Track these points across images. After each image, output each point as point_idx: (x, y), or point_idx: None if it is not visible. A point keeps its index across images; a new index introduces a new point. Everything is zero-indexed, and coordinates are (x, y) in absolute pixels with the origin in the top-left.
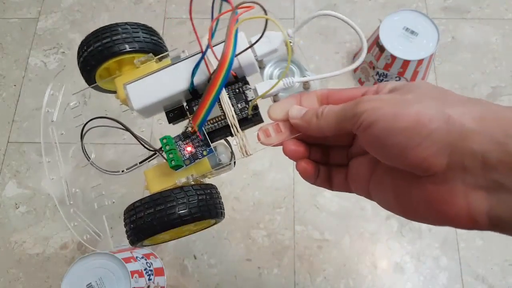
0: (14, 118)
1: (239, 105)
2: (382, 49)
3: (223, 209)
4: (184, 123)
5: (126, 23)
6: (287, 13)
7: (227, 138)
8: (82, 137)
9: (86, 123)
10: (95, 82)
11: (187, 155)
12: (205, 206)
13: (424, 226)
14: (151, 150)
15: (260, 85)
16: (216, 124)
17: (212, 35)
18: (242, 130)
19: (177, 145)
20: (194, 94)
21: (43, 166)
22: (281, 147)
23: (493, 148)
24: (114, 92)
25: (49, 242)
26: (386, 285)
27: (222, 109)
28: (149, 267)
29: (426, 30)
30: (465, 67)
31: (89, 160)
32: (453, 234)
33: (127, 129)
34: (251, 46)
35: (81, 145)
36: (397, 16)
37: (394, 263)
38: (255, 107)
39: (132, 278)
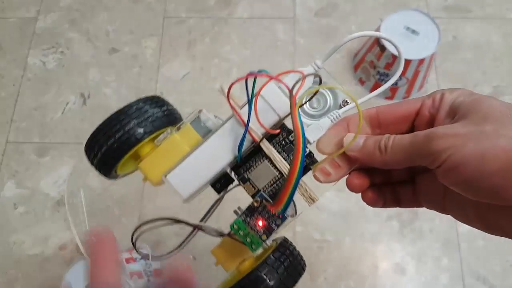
0: (13, 118)
1: (291, 157)
2: (383, 48)
3: (304, 260)
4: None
5: (130, 105)
6: (288, 12)
7: None
8: (134, 244)
9: (136, 228)
10: (115, 175)
11: (262, 231)
12: (294, 270)
13: (425, 226)
14: (223, 235)
15: (309, 131)
16: (275, 185)
17: (249, 109)
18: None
19: (246, 223)
20: (241, 162)
21: (42, 166)
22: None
23: None
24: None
25: (48, 242)
26: (387, 286)
27: (277, 168)
28: (149, 268)
29: (427, 29)
30: (466, 66)
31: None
32: (454, 235)
33: (190, 224)
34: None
35: (135, 250)
36: (398, 15)
37: (395, 264)
38: (310, 156)
39: (131, 279)
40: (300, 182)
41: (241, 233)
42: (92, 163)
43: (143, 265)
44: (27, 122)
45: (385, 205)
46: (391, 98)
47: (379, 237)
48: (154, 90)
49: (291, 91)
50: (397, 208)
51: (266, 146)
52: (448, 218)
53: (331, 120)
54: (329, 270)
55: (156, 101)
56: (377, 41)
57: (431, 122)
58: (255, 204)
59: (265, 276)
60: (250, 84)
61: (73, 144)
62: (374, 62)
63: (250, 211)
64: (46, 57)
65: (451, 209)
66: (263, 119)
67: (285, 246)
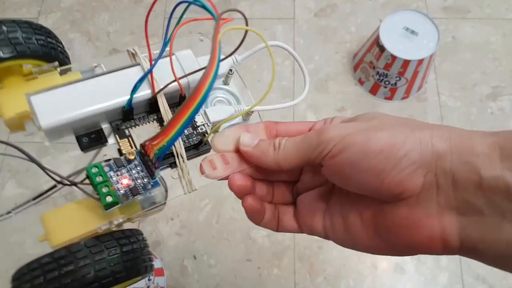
0: None
1: (185, 131)
2: (382, 49)
3: (152, 261)
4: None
5: (1, 22)
6: (287, 13)
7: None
8: None
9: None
10: None
11: (123, 190)
12: (132, 261)
13: None
14: (68, 184)
15: (210, 111)
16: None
17: (164, 46)
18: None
19: (109, 176)
20: (127, 114)
21: None
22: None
23: (461, 167)
24: None
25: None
26: (386, 286)
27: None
28: None
29: (427, 30)
30: (465, 67)
31: None
32: None
33: (32, 159)
34: (228, 57)
35: None
36: (397, 16)
37: (395, 264)
38: (204, 134)
39: None
40: (186, 169)
41: (99, 179)
42: None
43: None
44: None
45: (262, 222)
46: (390, 98)
47: None
48: None
49: (218, 20)
50: None
51: (163, 101)
52: None
53: (235, 111)
54: (328, 270)
55: (42, 30)
56: (377, 42)
57: None
58: (130, 157)
59: (89, 251)
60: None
61: (73, 144)
62: (373, 63)
63: (118, 165)
64: None
65: (331, 231)
66: (168, 76)
67: (135, 234)
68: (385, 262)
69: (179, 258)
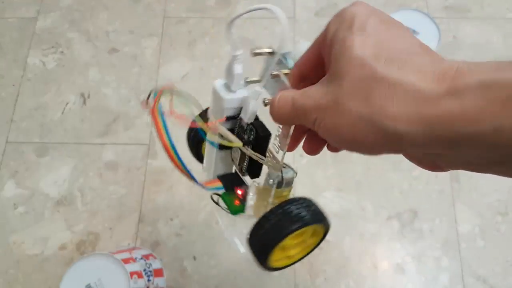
0: (13, 118)
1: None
2: None
3: (322, 213)
4: None
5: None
6: (288, 12)
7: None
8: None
9: None
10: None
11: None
12: (314, 211)
13: (425, 226)
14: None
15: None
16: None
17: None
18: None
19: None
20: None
21: (42, 166)
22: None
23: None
24: None
25: (48, 242)
26: (386, 286)
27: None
28: (149, 268)
29: (427, 29)
30: None
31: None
32: (454, 235)
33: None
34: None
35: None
36: (398, 15)
37: (395, 264)
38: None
39: (131, 279)
40: (275, 147)
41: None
42: None
43: (143, 265)
44: (27, 122)
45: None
46: None
47: (379, 237)
48: None
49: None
50: (397, 208)
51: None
52: (448, 218)
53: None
54: (329, 270)
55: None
56: None
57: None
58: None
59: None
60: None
61: (73, 144)
62: None
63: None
64: (46, 57)
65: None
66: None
67: (303, 199)
68: (385, 262)
69: (179, 259)
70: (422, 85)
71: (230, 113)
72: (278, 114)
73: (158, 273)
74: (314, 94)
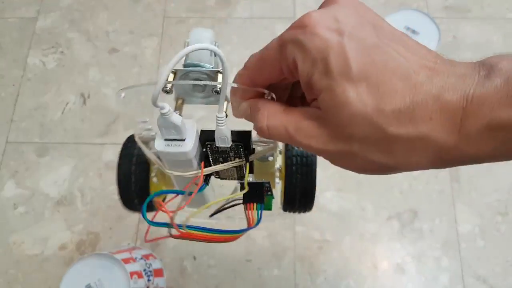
0: (13, 118)
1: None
2: None
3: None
4: None
5: None
6: (288, 12)
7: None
8: None
9: None
10: None
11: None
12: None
13: (425, 226)
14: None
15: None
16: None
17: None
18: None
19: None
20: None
21: (42, 166)
22: None
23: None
24: None
25: (48, 242)
26: (387, 286)
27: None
28: (149, 268)
29: (427, 29)
30: None
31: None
32: (454, 235)
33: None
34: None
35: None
36: (398, 15)
37: (395, 264)
38: (243, 147)
39: (131, 279)
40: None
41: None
42: None
43: (143, 265)
44: (27, 122)
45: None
46: None
47: (379, 237)
48: None
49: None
50: (397, 208)
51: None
52: (448, 218)
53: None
54: (329, 270)
55: None
56: None
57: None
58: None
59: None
60: None
61: (73, 144)
62: None
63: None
64: (46, 57)
65: None
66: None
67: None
68: (385, 262)
69: (178, 259)
70: (437, 136)
71: (197, 157)
72: (270, 137)
73: (158, 273)
74: (315, 134)
